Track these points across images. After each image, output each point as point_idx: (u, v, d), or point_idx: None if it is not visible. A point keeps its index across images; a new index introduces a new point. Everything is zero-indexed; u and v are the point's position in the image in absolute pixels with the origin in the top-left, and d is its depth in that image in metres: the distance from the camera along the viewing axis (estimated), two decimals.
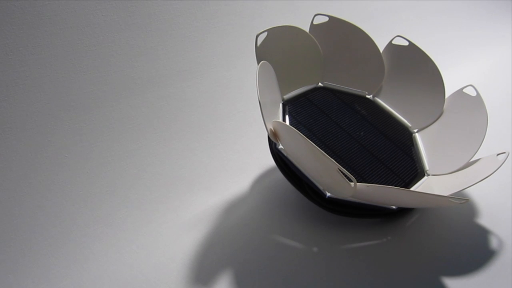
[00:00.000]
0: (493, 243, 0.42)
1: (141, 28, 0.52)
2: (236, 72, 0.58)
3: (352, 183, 0.36)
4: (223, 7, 0.59)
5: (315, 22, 0.51)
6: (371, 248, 0.42)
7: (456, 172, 0.45)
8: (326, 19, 0.51)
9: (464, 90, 0.49)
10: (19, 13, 0.44)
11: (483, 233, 0.43)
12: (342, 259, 0.41)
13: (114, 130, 0.49)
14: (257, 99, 0.38)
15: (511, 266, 0.40)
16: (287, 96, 0.50)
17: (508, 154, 0.42)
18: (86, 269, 0.41)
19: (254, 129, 0.56)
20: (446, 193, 0.41)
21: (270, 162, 0.52)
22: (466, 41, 0.83)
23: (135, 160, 0.49)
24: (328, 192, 0.42)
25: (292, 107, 0.48)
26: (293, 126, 0.46)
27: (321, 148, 0.45)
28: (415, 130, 0.52)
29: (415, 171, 0.47)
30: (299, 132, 0.36)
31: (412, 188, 0.46)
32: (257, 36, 0.44)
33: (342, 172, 0.35)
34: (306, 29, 0.50)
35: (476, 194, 0.48)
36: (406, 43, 0.52)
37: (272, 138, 0.41)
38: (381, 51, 0.53)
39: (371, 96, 0.54)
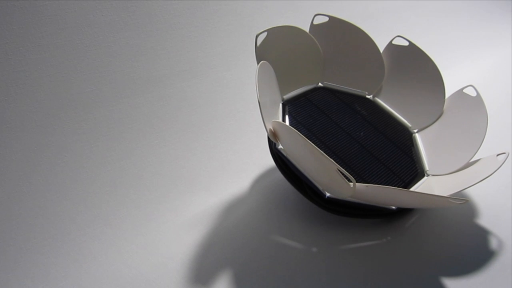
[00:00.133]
0: (493, 243, 0.42)
1: (141, 28, 0.52)
2: (236, 72, 0.58)
3: (351, 183, 0.36)
4: (223, 7, 0.59)
5: (315, 22, 0.51)
6: (371, 249, 0.42)
7: (456, 173, 0.45)
8: (326, 19, 0.51)
9: (464, 91, 0.49)
10: (19, 13, 0.44)
11: (483, 234, 0.43)
12: (342, 259, 0.41)
13: (114, 130, 0.49)
14: (257, 99, 0.38)
15: (511, 266, 0.40)
16: (287, 96, 0.50)
17: (508, 154, 0.42)
18: (85, 268, 0.41)
19: (254, 129, 0.56)
20: (446, 193, 0.41)
21: (270, 162, 0.52)
22: (467, 41, 0.83)
23: (135, 160, 0.49)
24: (328, 192, 0.42)
25: (292, 107, 0.48)
26: (293, 126, 0.46)
27: (320, 148, 0.45)
28: (415, 130, 0.52)
29: (415, 171, 0.47)
30: (298, 132, 0.36)
31: (412, 189, 0.46)
32: (257, 36, 0.44)
33: (341, 172, 0.35)
34: (306, 29, 0.50)
35: (476, 194, 0.48)
36: (406, 43, 0.52)
37: (271, 138, 0.41)
38: (381, 51, 0.53)
39: (371, 96, 0.54)
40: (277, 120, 0.39)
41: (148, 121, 0.52)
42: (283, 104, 0.48)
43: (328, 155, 0.44)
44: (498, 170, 0.40)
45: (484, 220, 0.45)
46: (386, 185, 0.44)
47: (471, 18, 0.88)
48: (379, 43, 0.53)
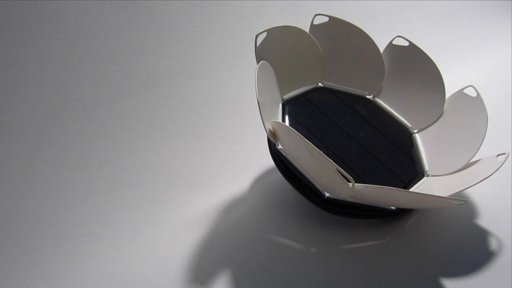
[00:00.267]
0: (493, 244, 0.42)
1: (141, 28, 0.52)
2: (236, 72, 0.58)
3: (350, 184, 0.36)
4: (223, 7, 0.59)
5: (315, 22, 0.51)
6: (370, 249, 0.42)
7: (456, 173, 0.45)
8: (326, 19, 0.51)
9: (465, 91, 0.49)
10: (19, 12, 0.44)
11: (483, 234, 0.43)
12: (341, 260, 0.41)
13: (114, 129, 0.49)
14: (256, 99, 0.38)
15: (510, 267, 0.40)
16: (287, 96, 0.50)
17: (508, 155, 0.42)
18: (84, 268, 0.41)
19: (254, 129, 0.56)
20: (445, 194, 0.41)
21: (269, 162, 0.52)
22: (467, 41, 0.83)
23: (134, 160, 0.50)
24: (327, 193, 0.42)
25: (292, 107, 0.48)
26: (292, 126, 0.46)
27: (320, 149, 0.45)
28: (415, 131, 0.52)
29: (414, 172, 0.47)
30: (297, 133, 0.36)
31: (412, 189, 0.45)
32: (256, 36, 0.44)
33: (340, 172, 0.35)
34: (307, 29, 0.50)
35: (476, 195, 0.48)
36: (407, 44, 0.52)
37: (271, 138, 0.41)
38: (381, 51, 0.53)
39: (371, 96, 0.54)
40: (277, 120, 0.39)
41: (148, 121, 0.52)
42: (283, 104, 0.48)
43: (328, 155, 0.45)
44: (498, 171, 0.40)
45: (484, 221, 0.45)
46: (386, 186, 0.44)
47: (471, 18, 0.88)
48: (379, 43, 0.53)
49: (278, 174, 0.48)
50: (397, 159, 0.48)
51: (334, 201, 0.42)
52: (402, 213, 0.45)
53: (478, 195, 0.48)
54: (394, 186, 0.45)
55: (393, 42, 0.53)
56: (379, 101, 0.54)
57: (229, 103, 0.57)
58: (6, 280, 0.39)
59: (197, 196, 0.49)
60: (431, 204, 0.40)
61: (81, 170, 0.46)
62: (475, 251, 0.41)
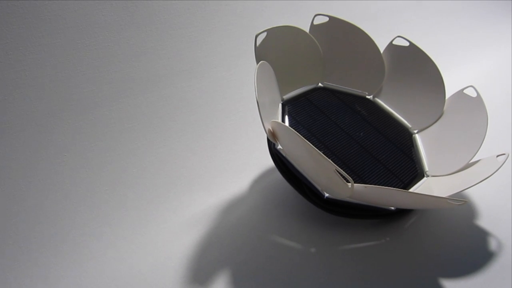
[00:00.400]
0: (493, 244, 0.42)
1: (141, 28, 0.52)
2: (236, 72, 0.58)
3: (349, 184, 0.36)
4: (223, 7, 0.59)
5: (315, 22, 0.51)
6: (370, 249, 0.42)
7: (456, 173, 0.45)
8: (326, 19, 0.51)
9: (465, 91, 0.49)
10: (19, 12, 0.44)
11: (483, 235, 0.43)
12: (340, 260, 0.41)
13: (114, 129, 0.49)
14: (255, 99, 0.38)
15: (510, 267, 0.39)
16: (287, 96, 0.50)
17: (508, 155, 0.42)
18: (84, 268, 0.41)
19: (254, 129, 0.56)
20: (445, 194, 0.41)
21: (269, 162, 0.52)
22: (467, 42, 0.83)
23: (134, 159, 0.50)
24: (326, 193, 0.42)
25: (292, 107, 0.48)
26: (292, 127, 0.46)
27: (320, 149, 0.45)
28: (415, 131, 0.52)
29: (414, 172, 0.47)
30: (296, 133, 0.36)
31: (411, 189, 0.45)
32: (256, 36, 0.44)
33: (339, 172, 0.35)
34: (307, 29, 0.50)
35: (476, 195, 0.48)
36: (407, 44, 0.52)
37: (270, 138, 0.41)
38: (381, 51, 0.53)
39: (371, 96, 0.54)
40: (276, 120, 0.39)
41: (148, 121, 0.52)
42: (282, 104, 0.48)
43: (327, 156, 0.45)
44: (498, 171, 0.40)
45: (484, 221, 0.45)
46: (385, 186, 0.44)
47: (471, 18, 0.88)
48: (380, 43, 0.52)
49: (278, 174, 0.48)
50: (397, 159, 0.48)
51: (333, 201, 0.42)
52: (402, 213, 0.45)
53: (478, 196, 0.48)
54: (393, 187, 0.45)
55: (393, 42, 0.53)
56: (379, 101, 0.54)
57: (229, 103, 0.57)
58: (5, 280, 0.39)
59: (197, 196, 0.49)
60: (430, 204, 0.40)
61: (81, 170, 0.46)
62: (475, 252, 0.41)
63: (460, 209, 0.46)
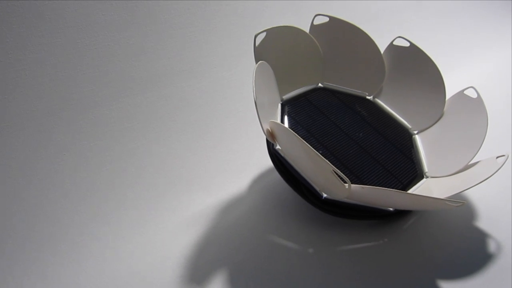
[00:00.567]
0: (492, 246, 0.42)
1: (141, 27, 0.52)
2: (236, 72, 0.58)
3: (346, 185, 0.36)
4: (224, 7, 0.59)
5: (315, 23, 0.51)
6: (368, 250, 0.42)
7: (455, 175, 0.45)
8: (326, 19, 0.51)
9: (465, 92, 0.49)
10: (19, 12, 0.44)
11: (482, 236, 0.43)
12: (338, 260, 0.41)
13: (114, 129, 0.49)
14: (253, 100, 0.38)
15: (509, 269, 0.39)
16: (286, 96, 0.50)
17: (508, 157, 0.41)
18: (83, 267, 0.41)
19: (253, 129, 0.56)
20: (444, 195, 0.41)
21: (269, 162, 0.51)
22: (468, 42, 0.83)
23: (134, 159, 0.50)
24: (324, 193, 0.42)
25: (291, 107, 0.48)
26: (291, 127, 0.46)
27: (319, 149, 0.45)
28: (415, 132, 0.52)
29: (414, 173, 0.47)
30: (294, 133, 0.36)
31: (410, 190, 0.45)
32: (255, 36, 0.44)
33: (336, 173, 0.35)
34: (307, 29, 0.50)
35: (476, 196, 0.47)
36: (407, 44, 0.52)
37: (269, 139, 0.41)
38: (382, 52, 0.53)
39: (371, 97, 0.54)
40: (274, 120, 0.39)
41: (147, 120, 0.52)
42: (282, 104, 0.48)
43: (326, 156, 0.45)
44: (498, 173, 0.40)
45: (483, 223, 0.45)
46: (383, 187, 0.44)
47: (472, 19, 0.87)
48: (380, 44, 0.52)
49: (277, 175, 0.48)
50: (396, 160, 0.48)
51: (331, 202, 0.42)
52: (400, 214, 0.45)
53: (478, 197, 0.47)
54: (392, 187, 0.45)
55: (394, 43, 0.53)
56: (379, 101, 0.54)
57: (229, 103, 0.57)
58: (4, 279, 0.39)
59: (196, 196, 0.49)
60: (428, 205, 0.40)
61: (80, 169, 0.47)
62: (474, 253, 0.41)
63: (459, 210, 0.46)
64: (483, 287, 0.38)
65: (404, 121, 0.53)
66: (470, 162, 0.45)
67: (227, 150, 0.55)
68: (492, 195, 0.47)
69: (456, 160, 0.46)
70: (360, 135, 0.49)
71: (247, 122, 0.57)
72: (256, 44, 0.44)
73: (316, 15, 0.51)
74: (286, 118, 0.47)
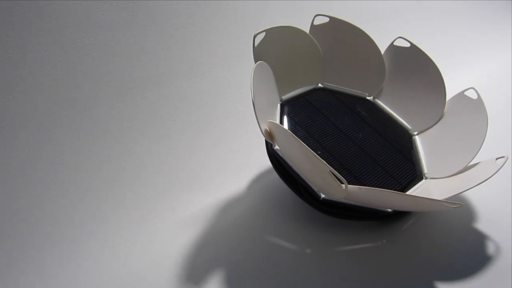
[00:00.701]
0: (490, 248, 0.42)
1: (141, 27, 0.52)
2: (237, 72, 0.58)
3: (343, 185, 0.36)
4: (224, 7, 0.59)
5: (315, 23, 0.51)
6: (366, 251, 0.42)
7: (454, 176, 0.45)
8: (326, 19, 0.51)
9: (465, 93, 0.49)
10: (20, 12, 0.45)
11: (481, 238, 0.43)
12: (335, 261, 0.41)
13: (114, 128, 0.50)
14: (251, 100, 0.38)
15: (508, 271, 0.39)
16: (286, 96, 0.50)
17: (507, 158, 0.41)
18: (81, 267, 0.42)
19: (253, 129, 0.56)
20: (443, 196, 0.40)
21: (268, 162, 0.52)
22: (469, 43, 0.82)
23: (133, 159, 0.50)
24: (322, 194, 0.42)
25: (290, 107, 0.48)
26: (290, 127, 0.46)
27: (317, 150, 0.45)
28: (415, 133, 0.52)
29: (413, 174, 0.47)
30: (291, 133, 0.36)
31: (409, 191, 0.45)
32: (254, 36, 0.44)
33: (333, 174, 0.35)
34: (308, 29, 0.50)
35: (475, 198, 0.47)
36: (408, 45, 0.52)
37: (267, 139, 0.41)
38: (382, 52, 0.52)
39: (371, 97, 0.54)
40: (271, 121, 0.39)
41: (147, 120, 0.52)
42: (281, 104, 0.48)
43: (325, 157, 0.44)
44: (498, 174, 0.40)
45: (482, 224, 0.44)
46: (382, 188, 0.44)
47: (473, 20, 0.87)
48: (380, 44, 0.52)
49: (276, 175, 0.48)
50: (396, 161, 0.48)
51: (329, 203, 0.42)
52: (399, 215, 0.45)
53: (477, 198, 0.47)
54: (391, 188, 0.44)
55: (394, 43, 0.53)
56: (379, 102, 0.54)
57: (229, 103, 0.57)
58: (2, 278, 0.39)
59: (195, 196, 0.49)
60: (425, 207, 0.40)
61: (80, 169, 0.47)
62: (473, 255, 0.41)
63: (459, 211, 0.46)
64: None
65: (404, 122, 0.53)
66: (470, 164, 0.45)
67: (226, 150, 0.55)
68: (492, 196, 0.47)
69: (455, 161, 0.46)
70: (359, 135, 0.49)
71: (247, 122, 0.57)
72: (255, 44, 0.44)
73: (316, 15, 0.51)
74: (285, 118, 0.47)
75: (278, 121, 0.46)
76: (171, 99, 0.54)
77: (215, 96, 0.57)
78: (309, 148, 0.35)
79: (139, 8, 0.52)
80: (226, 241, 0.44)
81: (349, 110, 0.51)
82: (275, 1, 0.63)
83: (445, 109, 0.50)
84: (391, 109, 0.53)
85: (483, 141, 0.44)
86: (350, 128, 0.49)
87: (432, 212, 0.46)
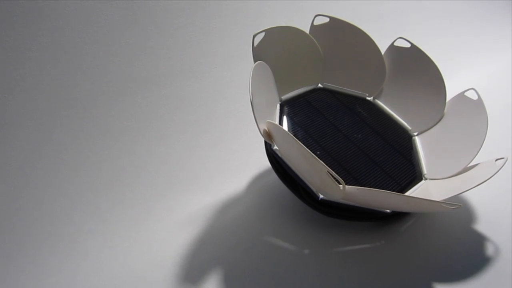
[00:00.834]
0: (490, 249, 0.41)
1: (141, 27, 0.53)
2: (237, 72, 0.58)
3: (340, 186, 0.36)
4: (224, 7, 0.59)
5: (315, 23, 0.51)
6: (364, 252, 0.42)
7: (454, 177, 0.45)
8: (327, 20, 0.51)
9: (466, 94, 0.49)
10: (20, 11, 0.45)
11: (480, 239, 0.43)
12: (333, 262, 0.41)
13: (113, 128, 0.50)
14: (250, 100, 0.38)
15: (507, 273, 0.39)
16: (285, 96, 0.50)
17: (506, 159, 0.41)
18: (80, 266, 0.42)
19: (253, 129, 0.55)
20: (443, 197, 0.40)
21: (268, 162, 0.52)
22: (469, 44, 0.82)
23: (133, 158, 0.50)
24: (320, 194, 0.42)
25: (290, 108, 0.48)
26: (289, 127, 0.46)
27: (316, 150, 0.45)
28: (415, 133, 0.52)
29: (412, 175, 0.47)
30: (289, 133, 0.36)
31: (408, 192, 0.45)
32: (254, 36, 0.44)
33: (331, 174, 0.35)
34: (308, 29, 0.50)
35: (475, 199, 0.47)
36: (408, 45, 0.52)
37: (265, 139, 0.41)
38: (382, 53, 0.52)
39: (371, 98, 0.54)
40: (270, 121, 0.39)
41: (147, 120, 0.52)
42: (280, 104, 0.48)
43: (324, 157, 0.44)
44: (498, 175, 0.40)
45: (482, 226, 0.44)
46: (381, 188, 0.44)
47: (474, 21, 0.87)
48: (381, 44, 0.52)
49: (276, 175, 0.48)
50: (395, 161, 0.47)
51: (328, 203, 0.42)
52: (398, 216, 0.45)
53: (477, 200, 0.47)
54: (390, 189, 0.44)
55: (395, 44, 0.53)
56: (380, 103, 0.54)
57: (229, 103, 0.57)
58: (1, 277, 0.40)
59: (194, 195, 0.49)
60: (423, 208, 0.40)
61: (79, 168, 0.47)
62: (472, 257, 0.41)
63: (458, 213, 0.45)
64: None
65: (404, 123, 0.52)
66: (469, 165, 0.44)
67: (226, 150, 0.55)
68: (492, 197, 0.47)
69: (455, 162, 0.45)
70: (359, 136, 0.48)
71: (247, 122, 0.57)
72: (255, 44, 0.44)
73: (316, 15, 0.51)
74: (284, 118, 0.47)
75: (277, 121, 0.46)
76: (171, 99, 0.54)
77: (215, 96, 0.57)
78: (306, 148, 0.35)
79: (139, 8, 0.52)
80: (225, 240, 0.44)
81: (348, 111, 0.51)
82: (275, 1, 0.63)
83: (445, 110, 0.50)
84: (391, 109, 0.53)
85: (483, 142, 0.44)
86: (349, 129, 0.49)
87: (431, 213, 0.46)
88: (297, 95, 0.51)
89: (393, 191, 0.44)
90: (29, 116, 0.45)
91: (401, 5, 0.79)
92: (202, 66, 0.56)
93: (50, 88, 0.46)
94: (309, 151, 0.35)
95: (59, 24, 0.47)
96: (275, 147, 0.42)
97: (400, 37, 0.52)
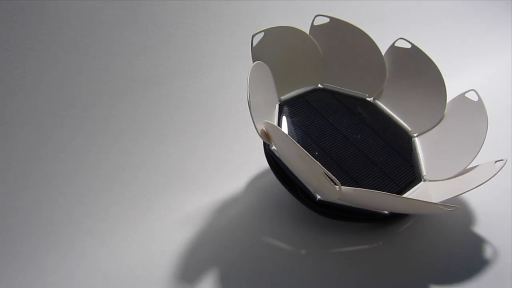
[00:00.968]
0: (489, 251, 0.41)
1: (142, 27, 0.53)
2: (237, 72, 0.59)
3: (336, 187, 0.36)
4: (224, 7, 0.59)
5: (315, 23, 0.51)
6: (361, 253, 0.42)
7: (453, 178, 0.44)
8: (327, 20, 0.51)
9: (466, 95, 0.48)
10: (20, 11, 0.45)
11: (480, 241, 0.42)
12: (330, 262, 0.40)
13: (113, 128, 0.50)
14: (247, 100, 0.38)
15: (507, 275, 0.39)
16: (285, 97, 0.50)
17: (506, 161, 0.41)
18: (78, 264, 0.42)
19: (253, 130, 0.55)
20: (441, 199, 0.40)
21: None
22: (470, 45, 0.81)
23: (132, 158, 0.50)
24: (318, 195, 0.41)
25: (289, 108, 0.48)
26: (288, 128, 0.46)
27: (315, 151, 0.45)
28: (415, 134, 0.51)
29: (411, 176, 0.47)
30: (286, 134, 0.36)
31: (407, 194, 0.45)
32: (253, 37, 0.44)
33: (327, 175, 0.34)
34: (308, 30, 0.50)
35: (474, 201, 0.47)
36: (409, 46, 0.52)
37: (263, 139, 0.41)
38: (383, 53, 0.52)
39: (371, 98, 0.54)
40: (267, 121, 0.39)
41: (147, 119, 0.52)
42: (280, 105, 0.48)
43: (323, 158, 0.44)
44: (498, 177, 0.39)
45: (482, 228, 0.44)
46: (380, 190, 0.44)
47: (475, 21, 0.86)
48: (381, 45, 0.52)
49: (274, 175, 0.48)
50: (394, 162, 0.47)
51: (325, 204, 0.42)
52: (396, 218, 0.45)
53: (476, 202, 0.47)
54: (389, 190, 0.44)
55: (395, 44, 0.52)
56: (380, 103, 0.53)
57: (229, 103, 0.57)
58: (0, 277, 0.40)
59: (193, 195, 0.50)
60: (420, 209, 0.39)
61: (78, 167, 0.47)
62: (471, 259, 0.41)
63: (458, 214, 0.45)
64: None
65: (404, 124, 0.52)
66: (469, 166, 0.44)
67: (226, 150, 0.55)
68: (491, 199, 0.46)
69: (454, 163, 0.45)
70: (358, 137, 0.48)
71: (246, 122, 0.56)
72: (254, 44, 0.44)
73: (317, 15, 0.51)
74: (283, 119, 0.47)
75: (276, 122, 0.46)
76: (171, 99, 0.54)
77: (215, 96, 0.57)
78: (303, 149, 0.35)
79: (139, 8, 0.52)
80: (223, 240, 0.44)
81: (348, 111, 0.51)
82: (275, 1, 0.63)
83: (446, 111, 0.50)
84: (391, 110, 0.53)
85: (483, 144, 0.44)
86: (349, 129, 0.49)
87: (430, 214, 0.46)
88: (297, 95, 0.50)
89: (391, 192, 0.44)
90: (29, 115, 0.45)
91: (402, 5, 0.78)
92: (202, 66, 0.57)
93: (50, 88, 0.47)
94: (305, 151, 0.34)
95: (59, 24, 0.47)
96: (273, 148, 0.42)
97: (401, 38, 0.52)
